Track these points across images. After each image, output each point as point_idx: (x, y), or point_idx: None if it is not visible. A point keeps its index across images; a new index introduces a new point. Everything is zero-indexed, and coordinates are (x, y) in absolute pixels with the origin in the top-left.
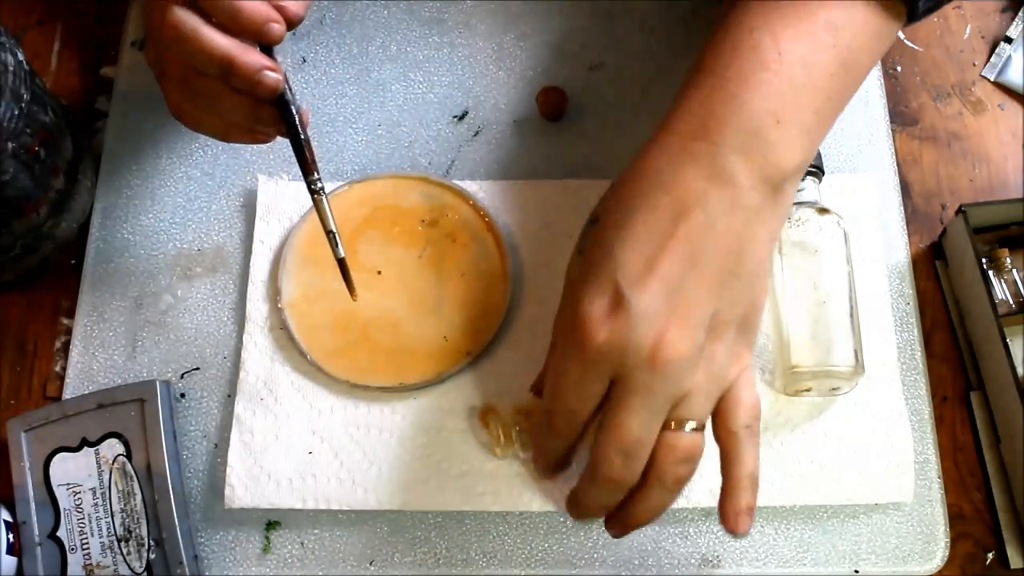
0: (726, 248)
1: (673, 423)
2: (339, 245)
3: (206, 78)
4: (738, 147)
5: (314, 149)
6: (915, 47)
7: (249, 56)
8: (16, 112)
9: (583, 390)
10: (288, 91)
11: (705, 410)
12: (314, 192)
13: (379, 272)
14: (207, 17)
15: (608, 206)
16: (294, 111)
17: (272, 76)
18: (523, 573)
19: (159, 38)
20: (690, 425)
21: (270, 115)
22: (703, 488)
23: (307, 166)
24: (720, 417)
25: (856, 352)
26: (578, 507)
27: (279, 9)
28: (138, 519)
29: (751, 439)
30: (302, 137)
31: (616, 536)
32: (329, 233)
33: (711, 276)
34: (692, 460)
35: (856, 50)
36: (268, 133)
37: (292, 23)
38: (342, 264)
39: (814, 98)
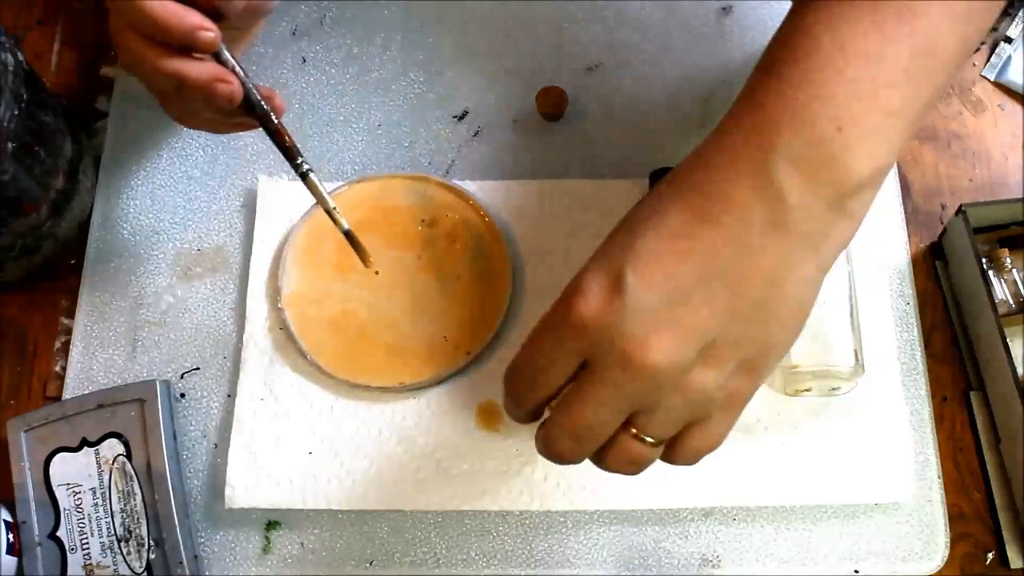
0: (752, 274)
1: (634, 428)
2: (341, 219)
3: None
4: (793, 157)
5: (292, 134)
6: None
7: (198, 71)
8: (16, 112)
9: (552, 361)
10: (251, 89)
11: (667, 432)
12: (303, 175)
13: (378, 272)
14: (152, 37)
15: (654, 191)
16: (257, 103)
17: (223, 87)
18: (523, 573)
19: (123, 64)
20: (648, 439)
21: (240, 111)
22: (703, 488)
23: (288, 152)
24: (675, 442)
25: (856, 352)
26: (545, 448)
27: (218, 9)
28: (138, 519)
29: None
30: (273, 126)
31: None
32: (329, 211)
33: (723, 300)
34: (639, 466)
35: (937, 36)
36: (249, 124)
37: (227, 17)
38: (349, 236)
39: (887, 98)
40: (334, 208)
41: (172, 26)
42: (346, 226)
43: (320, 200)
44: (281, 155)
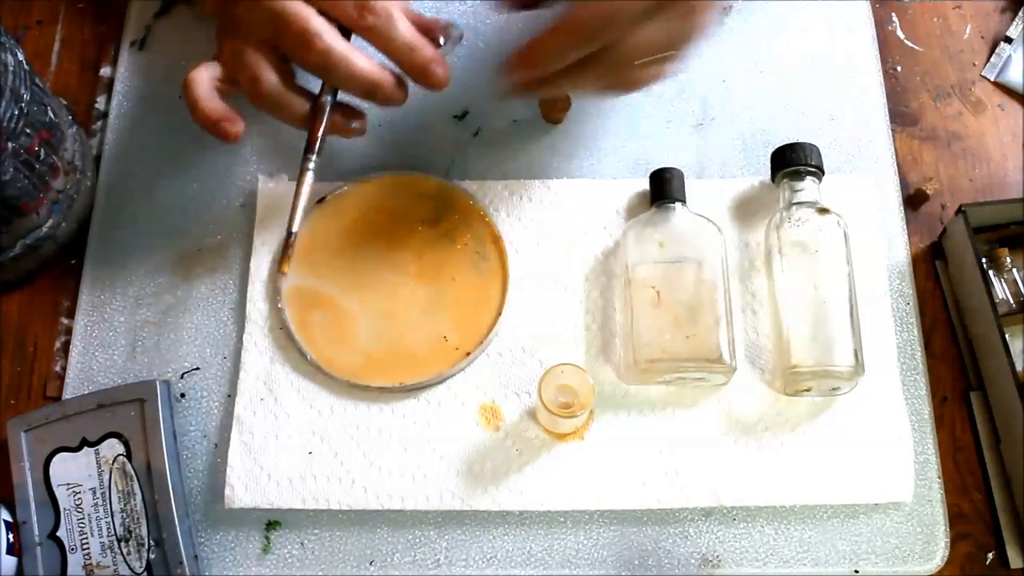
0: None
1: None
2: (297, 221)
3: (272, 83)
4: None
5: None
6: (915, 47)
7: (391, 79)
8: (16, 112)
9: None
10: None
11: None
12: (303, 170)
13: (378, 272)
14: (346, 36)
15: None
16: (335, 91)
17: (403, 95)
18: (523, 573)
19: (284, 44)
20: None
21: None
22: (703, 488)
23: (309, 144)
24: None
25: (856, 352)
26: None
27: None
28: (138, 519)
29: None
30: (323, 117)
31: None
32: (296, 208)
33: None
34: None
35: None
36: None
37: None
38: (289, 238)
39: None
40: (302, 210)
41: (417, 53)
42: (295, 229)
43: (297, 195)
44: (306, 143)
